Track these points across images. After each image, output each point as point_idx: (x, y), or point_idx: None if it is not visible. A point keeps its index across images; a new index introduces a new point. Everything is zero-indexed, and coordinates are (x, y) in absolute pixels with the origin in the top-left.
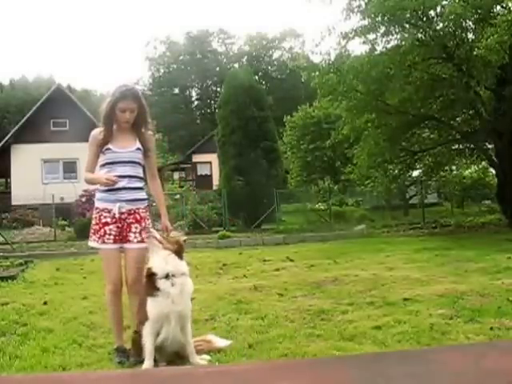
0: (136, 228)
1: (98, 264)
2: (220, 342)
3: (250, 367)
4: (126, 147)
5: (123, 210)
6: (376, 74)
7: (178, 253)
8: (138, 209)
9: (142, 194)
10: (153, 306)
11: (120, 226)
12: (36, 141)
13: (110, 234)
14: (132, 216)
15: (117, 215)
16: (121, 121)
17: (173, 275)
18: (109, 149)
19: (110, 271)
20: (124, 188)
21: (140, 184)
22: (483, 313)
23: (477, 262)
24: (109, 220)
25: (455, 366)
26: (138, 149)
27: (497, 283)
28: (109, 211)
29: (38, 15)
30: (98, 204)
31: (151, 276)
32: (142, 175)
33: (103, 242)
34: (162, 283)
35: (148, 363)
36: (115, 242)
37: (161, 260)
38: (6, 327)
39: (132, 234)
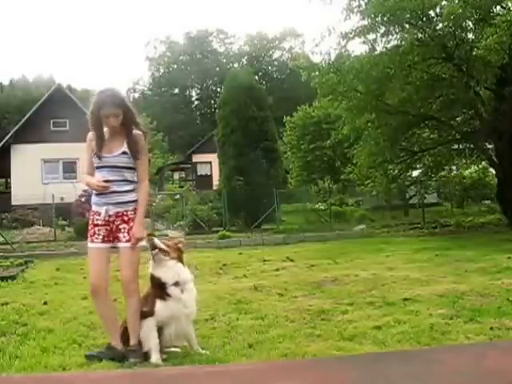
0: (124, 228)
1: None
2: None
3: (250, 367)
4: (112, 152)
5: (110, 213)
6: (376, 73)
7: (181, 258)
8: (126, 211)
9: (131, 197)
10: (163, 308)
11: (109, 228)
12: (36, 141)
13: (98, 234)
14: (120, 218)
15: (106, 217)
16: (107, 126)
17: (182, 283)
18: (99, 154)
19: (91, 271)
20: (112, 192)
21: (128, 187)
22: (483, 313)
23: (477, 262)
24: (99, 222)
25: (455, 366)
26: (124, 152)
27: (497, 283)
28: (99, 214)
29: (38, 15)
30: (92, 207)
31: (161, 285)
32: (130, 178)
33: (92, 242)
34: (172, 290)
35: (156, 357)
36: (104, 241)
37: (169, 270)
38: (5, 327)
39: (121, 234)
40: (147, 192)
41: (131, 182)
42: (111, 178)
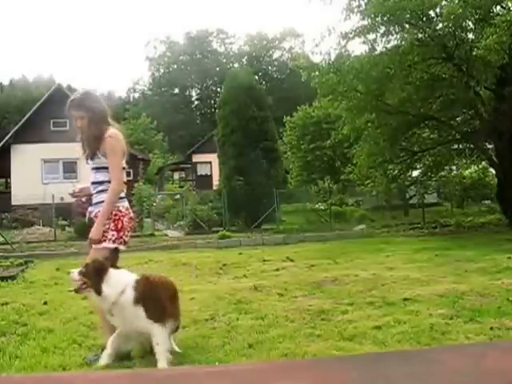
0: None
1: None
2: None
3: (250, 367)
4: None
5: (93, 214)
6: (376, 73)
7: (97, 281)
8: (98, 211)
9: (103, 197)
10: None
11: None
12: (36, 141)
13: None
14: (95, 218)
15: (91, 219)
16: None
17: (104, 309)
18: (83, 157)
19: None
20: (91, 194)
21: (100, 188)
22: (483, 313)
23: (477, 262)
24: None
25: (455, 366)
26: (93, 155)
27: (497, 283)
28: None
29: (38, 15)
30: None
31: None
32: (102, 179)
33: None
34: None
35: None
36: None
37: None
38: (5, 327)
39: None
40: (114, 192)
41: (102, 182)
42: (91, 180)
